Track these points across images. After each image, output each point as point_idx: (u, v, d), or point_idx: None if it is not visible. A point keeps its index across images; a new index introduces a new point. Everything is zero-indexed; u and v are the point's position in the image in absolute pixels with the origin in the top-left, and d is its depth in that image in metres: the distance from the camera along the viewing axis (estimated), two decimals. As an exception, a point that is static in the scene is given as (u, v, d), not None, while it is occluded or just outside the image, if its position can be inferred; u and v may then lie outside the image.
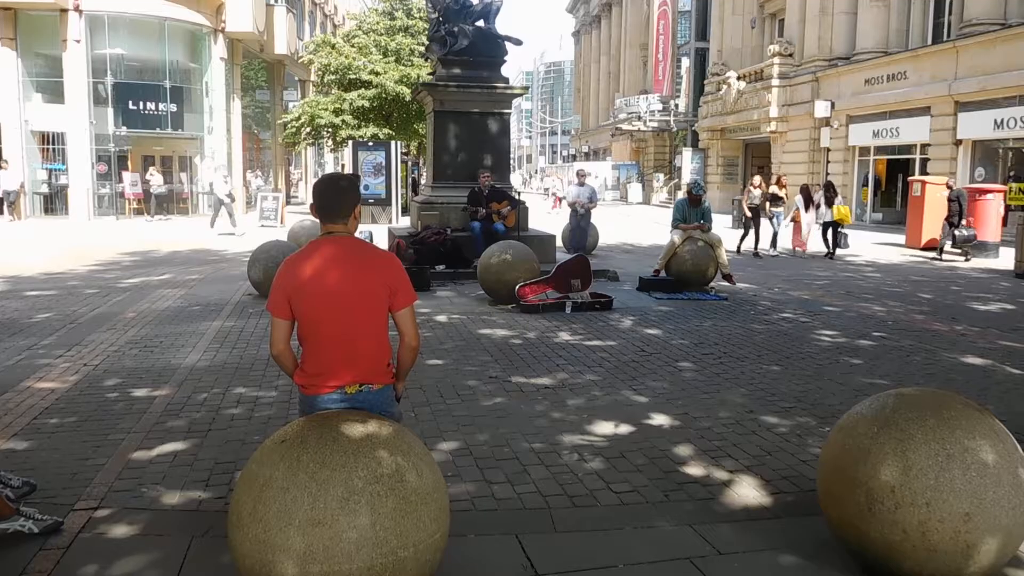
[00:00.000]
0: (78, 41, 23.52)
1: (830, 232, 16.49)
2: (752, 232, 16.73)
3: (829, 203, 16.51)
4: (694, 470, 4.45)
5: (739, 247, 16.57)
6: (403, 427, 2.95)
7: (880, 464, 3.05)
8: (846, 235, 17.05)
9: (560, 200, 29.27)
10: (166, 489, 4.09)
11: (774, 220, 17.08)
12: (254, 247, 10.75)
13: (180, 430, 5.02)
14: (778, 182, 17.92)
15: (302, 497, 2.56)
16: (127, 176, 25.34)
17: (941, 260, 15.66)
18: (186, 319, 8.77)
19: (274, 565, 2.54)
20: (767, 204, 16.88)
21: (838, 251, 16.55)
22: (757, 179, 17.95)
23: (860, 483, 3.09)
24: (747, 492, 4.15)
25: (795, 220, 17.06)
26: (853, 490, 3.11)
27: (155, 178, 25.55)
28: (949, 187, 16.41)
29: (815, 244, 16.95)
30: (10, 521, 3.44)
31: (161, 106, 25.17)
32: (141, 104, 24.96)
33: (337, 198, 2.99)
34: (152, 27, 25.13)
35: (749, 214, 16.71)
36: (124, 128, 24.86)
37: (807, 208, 16.73)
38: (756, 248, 16.63)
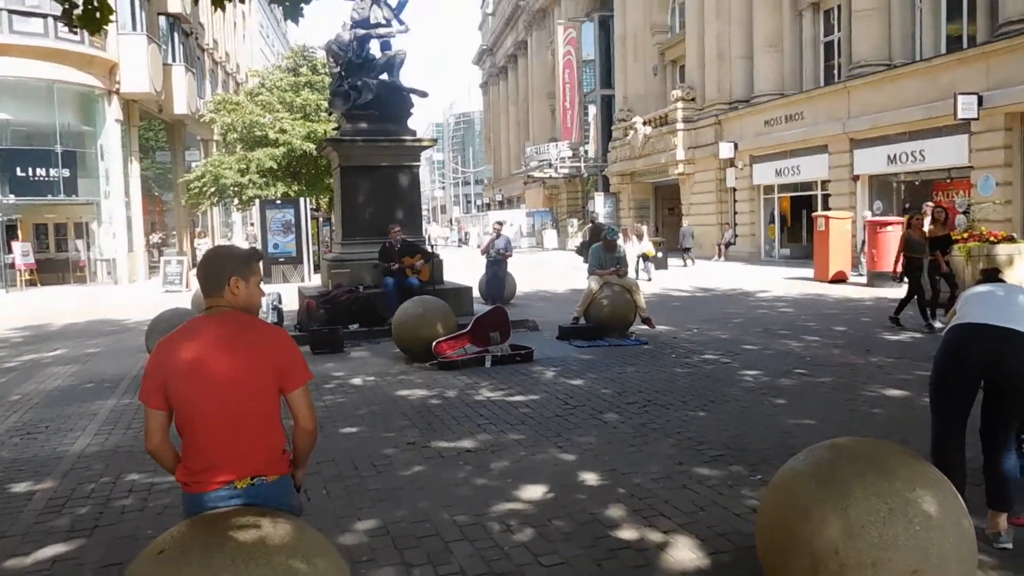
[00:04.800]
0: (-40, 107, 22.35)
1: (641, 262, 20.48)
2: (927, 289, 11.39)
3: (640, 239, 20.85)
4: (627, 533, 4.20)
5: (898, 313, 11.30)
6: (302, 523, 2.62)
7: (821, 523, 2.86)
8: (651, 266, 21.34)
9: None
10: (41, 603, 3.61)
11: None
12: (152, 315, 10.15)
13: (62, 529, 4.51)
14: (937, 218, 11.71)
15: (183, 620, 2.19)
16: (17, 246, 24.01)
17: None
18: (77, 398, 8.13)
19: None
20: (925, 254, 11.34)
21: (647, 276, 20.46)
22: (931, 210, 12.57)
23: (802, 545, 2.89)
24: (683, 554, 3.92)
25: None
26: (795, 553, 2.92)
27: None
28: (592, 221, 19.06)
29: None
30: None
31: (52, 172, 23.94)
32: (30, 170, 23.66)
33: (205, 270, 2.72)
34: (40, 90, 24.04)
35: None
36: (12, 196, 23.58)
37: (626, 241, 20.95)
38: (928, 315, 10.96)
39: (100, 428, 6.84)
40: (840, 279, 18.15)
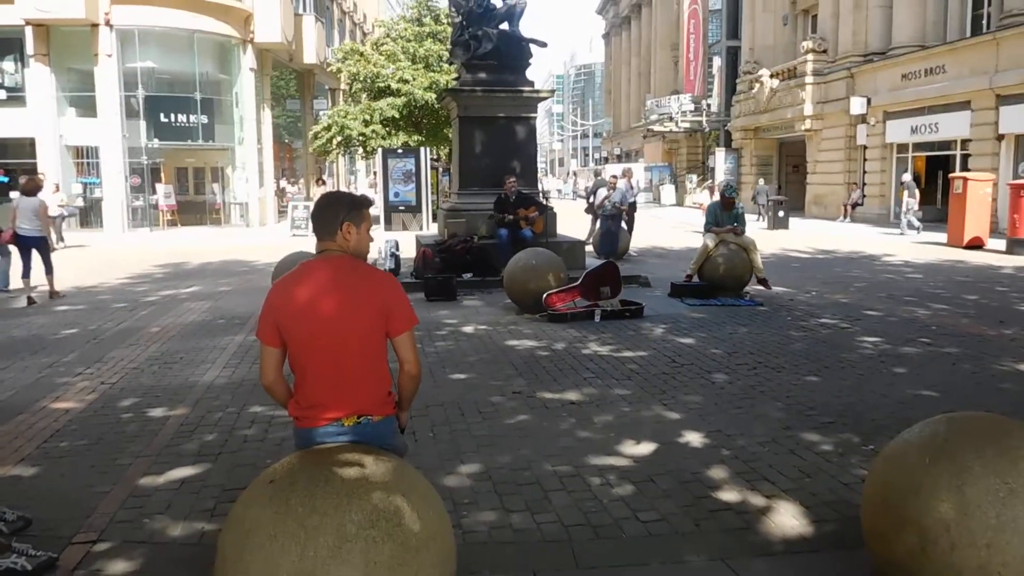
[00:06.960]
0: (109, 55, 23.73)
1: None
2: None
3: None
4: (728, 495, 4.16)
5: None
6: (404, 462, 2.72)
7: (933, 500, 2.75)
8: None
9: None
10: (170, 520, 3.91)
11: None
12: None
13: (190, 453, 4.84)
14: None
15: (290, 546, 2.33)
16: (160, 188, 25.56)
17: None
18: (209, 333, 8.65)
19: (261, 619, 2.32)
20: None
21: None
22: None
23: (911, 520, 2.79)
24: (785, 520, 3.85)
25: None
26: (903, 528, 2.82)
27: (55, 197, 20.30)
28: (597, 173, 17.11)
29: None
30: (1, 559, 3.27)
31: (192, 118, 25.31)
32: (172, 116, 25.13)
33: (318, 214, 2.82)
34: (181, 40, 25.28)
35: None
36: (156, 140, 25.05)
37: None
38: None
39: (228, 361, 7.28)
40: (976, 245, 17.08)
